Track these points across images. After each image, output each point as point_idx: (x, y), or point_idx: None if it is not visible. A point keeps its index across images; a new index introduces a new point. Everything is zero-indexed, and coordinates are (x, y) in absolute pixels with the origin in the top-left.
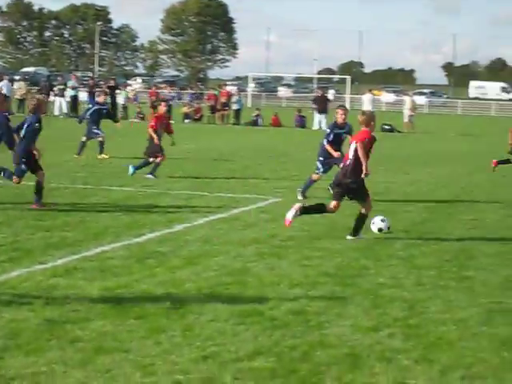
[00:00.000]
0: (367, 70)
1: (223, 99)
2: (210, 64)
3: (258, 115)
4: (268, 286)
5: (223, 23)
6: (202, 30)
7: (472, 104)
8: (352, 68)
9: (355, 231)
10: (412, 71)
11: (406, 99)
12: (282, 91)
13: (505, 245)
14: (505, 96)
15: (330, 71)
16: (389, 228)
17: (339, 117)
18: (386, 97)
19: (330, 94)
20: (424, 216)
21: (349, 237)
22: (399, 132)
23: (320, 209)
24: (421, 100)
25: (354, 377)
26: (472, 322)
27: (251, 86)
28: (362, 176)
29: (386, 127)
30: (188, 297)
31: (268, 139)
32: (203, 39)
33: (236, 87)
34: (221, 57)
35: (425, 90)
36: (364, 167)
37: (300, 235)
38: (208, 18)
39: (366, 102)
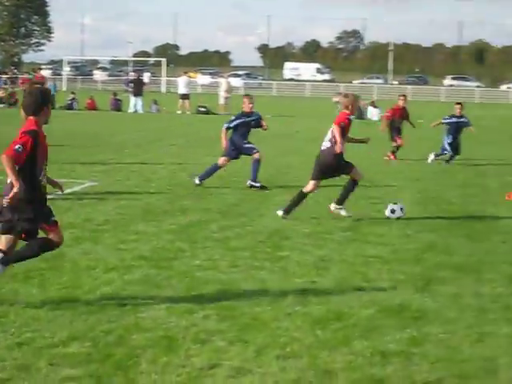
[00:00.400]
0: (183, 52)
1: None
2: (24, 48)
3: (73, 99)
4: (83, 271)
5: (37, 6)
6: (15, 14)
7: (287, 85)
8: (167, 50)
9: (342, 201)
10: (227, 53)
11: (222, 81)
12: (98, 75)
13: (319, 225)
14: (319, 77)
15: (145, 54)
16: (398, 218)
17: (246, 106)
18: (202, 79)
19: (146, 77)
20: (239, 198)
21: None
22: (214, 114)
23: (300, 198)
24: (236, 82)
25: (169, 359)
26: (286, 302)
27: (66, 70)
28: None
29: (202, 109)
30: (1, 283)
31: (83, 123)
32: (16, 23)
33: (51, 71)
34: (35, 40)
35: (240, 72)
36: (337, 147)
37: (115, 219)
38: (21, 1)
39: (181, 84)
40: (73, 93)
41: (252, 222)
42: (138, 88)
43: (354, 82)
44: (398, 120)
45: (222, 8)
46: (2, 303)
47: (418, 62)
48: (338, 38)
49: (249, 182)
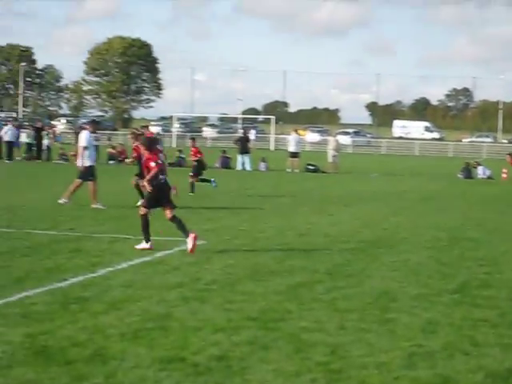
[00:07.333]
0: (292, 109)
1: None
2: (134, 104)
3: (180, 156)
4: (191, 331)
5: (147, 63)
6: (127, 71)
7: (396, 143)
8: (277, 108)
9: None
10: (337, 111)
11: (330, 139)
12: (207, 131)
13: (427, 287)
14: (428, 135)
15: (254, 111)
16: None
17: None
18: (311, 136)
19: (252, 134)
20: (347, 258)
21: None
22: (323, 172)
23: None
24: (345, 140)
25: None
26: (394, 365)
27: (176, 127)
28: None
29: (310, 167)
30: (110, 343)
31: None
32: (127, 79)
33: (160, 128)
34: (145, 97)
35: (349, 130)
36: None
37: (223, 279)
38: (132, 59)
39: (292, 142)
40: (179, 150)
41: (360, 283)
42: (244, 146)
43: (463, 140)
44: None
45: (334, 66)
46: (110, 363)
47: None
48: (448, 96)
49: None
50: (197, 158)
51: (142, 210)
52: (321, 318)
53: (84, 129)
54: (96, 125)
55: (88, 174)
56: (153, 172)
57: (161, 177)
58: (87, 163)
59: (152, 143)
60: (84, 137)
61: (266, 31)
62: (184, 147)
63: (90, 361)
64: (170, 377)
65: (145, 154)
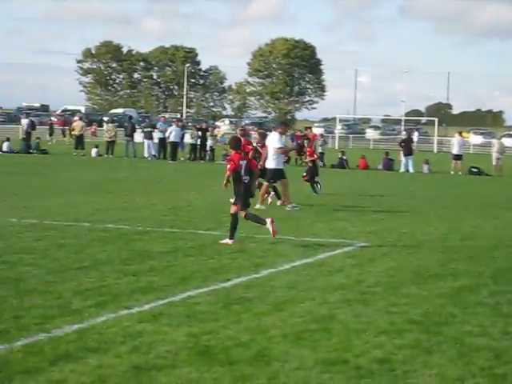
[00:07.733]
0: (455, 111)
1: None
2: (297, 106)
3: (342, 157)
4: (353, 334)
5: (311, 65)
6: (290, 72)
7: None
8: (440, 109)
9: None
10: (501, 113)
11: (494, 142)
12: (370, 133)
13: None
14: None
15: (417, 113)
16: None
17: None
18: (474, 139)
19: (414, 136)
20: (511, 262)
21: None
22: (487, 175)
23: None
24: (509, 142)
25: None
26: None
27: (338, 128)
28: None
29: (474, 170)
30: (273, 344)
31: (355, 182)
32: (291, 81)
33: (323, 129)
34: (308, 98)
35: None
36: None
37: (386, 281)
38: (295, 60)
39: (456, 144)
40: (342, 152)
41: None
42: (408, 148)
43: None
44: None
45: (501, 68)
46: (273, 364)
47: None
48: None
49: None
50: (312, 159)
51: (242, 214)
52: (484, 323)
53: (273, 130)
54: (286, 127)
55: (276, 176)
56: (227, 174)
57: (245, 177)
58: (277, 165)
59: (237, 143)
60: (277, 139)
61: (429, 33)
62: (347, 149)
63: (252, 361)
64: (333, 379)
65: (231, 153)
